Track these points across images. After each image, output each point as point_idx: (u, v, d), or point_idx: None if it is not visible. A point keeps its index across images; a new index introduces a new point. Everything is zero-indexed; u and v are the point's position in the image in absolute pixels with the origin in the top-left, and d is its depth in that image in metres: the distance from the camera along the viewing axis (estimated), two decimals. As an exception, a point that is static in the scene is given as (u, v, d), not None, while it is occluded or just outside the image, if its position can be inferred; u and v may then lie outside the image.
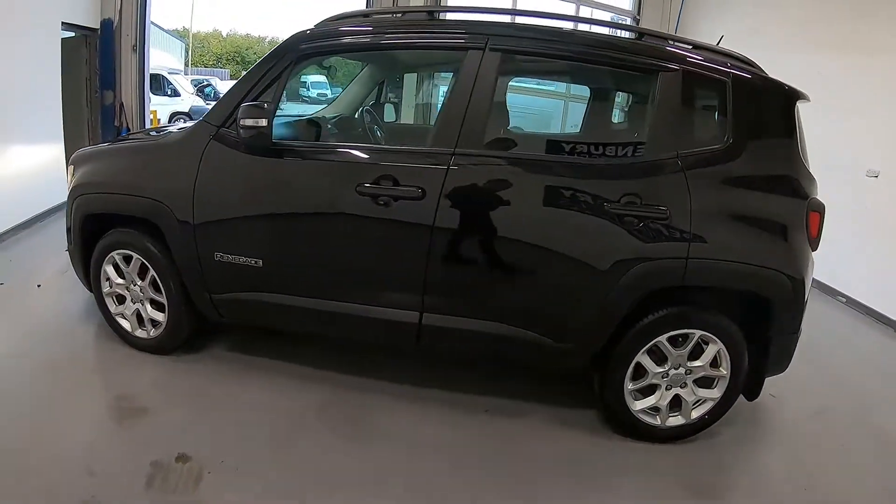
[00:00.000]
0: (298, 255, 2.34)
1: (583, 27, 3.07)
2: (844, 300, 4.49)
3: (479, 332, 2.26)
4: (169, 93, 12.62)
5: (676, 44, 2.36)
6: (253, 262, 2.33)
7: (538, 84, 7.19)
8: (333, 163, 2.32)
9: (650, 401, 2.33)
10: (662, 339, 2.21)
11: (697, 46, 2.36)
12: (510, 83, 3.43)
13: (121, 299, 2.74)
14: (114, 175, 2.61)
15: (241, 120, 2.14)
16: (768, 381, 2.36)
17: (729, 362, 2.25)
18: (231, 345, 2.83)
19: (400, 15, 2.41)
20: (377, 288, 2.29)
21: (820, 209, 2.23)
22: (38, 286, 3.44)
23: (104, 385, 2.51)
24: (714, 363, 2.27)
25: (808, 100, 2.27)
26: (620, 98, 3.34)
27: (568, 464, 2.21)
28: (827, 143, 4.26)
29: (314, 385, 2.52)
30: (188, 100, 13.47)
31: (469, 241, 2.22)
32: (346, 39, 2.40)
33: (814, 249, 2.25)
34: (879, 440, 2.61)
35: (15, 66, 4.41)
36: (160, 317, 2.64)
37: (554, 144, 3.00)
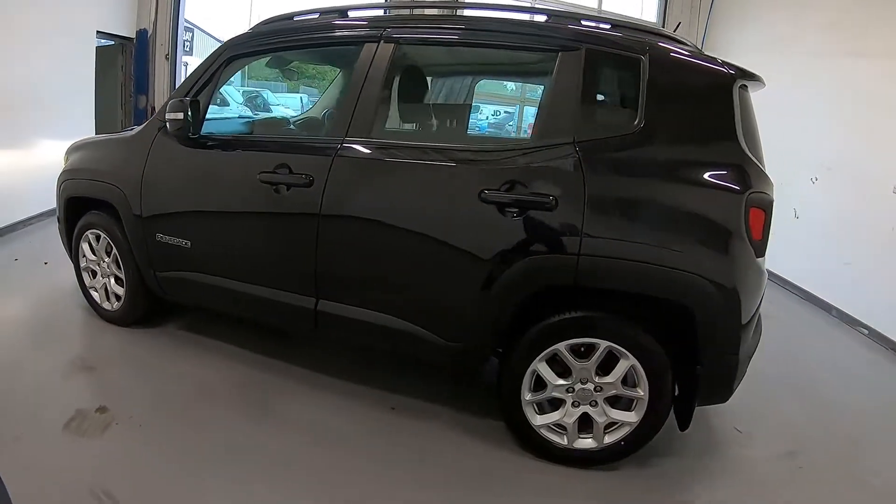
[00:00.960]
0: (215, 238, 2.56)
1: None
2: (867, 332, 3.94)
3: (369, 322, 2.24)
4: (218, 102, 13.29)
5: (586, 23, 2.15)
6: (183, 242, 2.59)
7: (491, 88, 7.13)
8: (242, 153, 2.51)
9: (553, 416, 2.10)
10: (562, 347, 1.99)
11: (618, 25, 2.15)
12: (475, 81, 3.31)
13: (94, 274, 3.09)
14: (88, 163, 2.97)
15: (167, 113, 2.41)
16: (736, 413, 2.22)
17: (646, 382, 1.97)
18: (183, 324, 3.11)
19: (317, 15, 2.54)
20: (278, 272, 2.43)
21: (764, 205, 1.88)
22: (45, 263, 3.88)
23: (67, 345, 2.83)
24: (629, 381, 2.01)
25: (760, 81, 2.06)
26: (517, 83, 3.30)
27: (470, 475, 2.08)
28: (851, 155, 4.16)
29: (241, 366, 2.72)
30: (236, 110, 14.21)
31: (352, 230, 2.19)
32: (269, 41, 2.56)
33: (759, 255, 1.92)
34: (854, 495, 2.17)
35: (53, 70, 4.99)
36: (121, 291, 2.96)
37: (444, 133, 2.86)
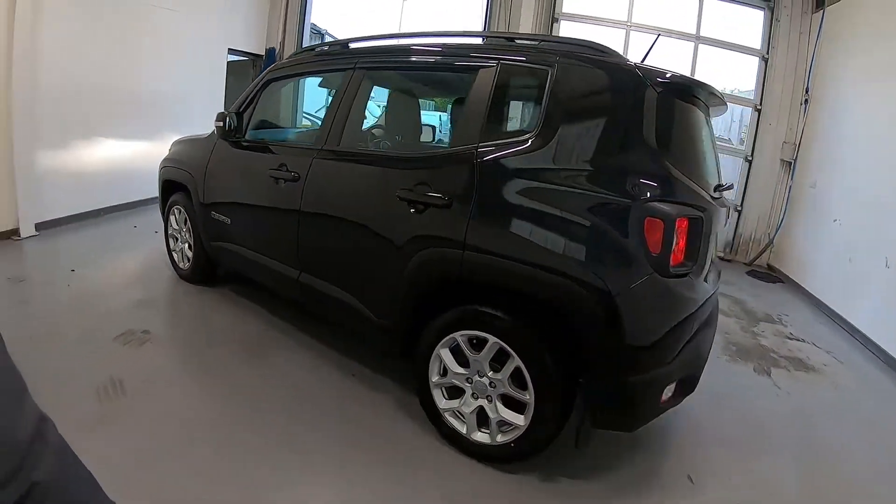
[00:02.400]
0: (242, 217, 3.26)
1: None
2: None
3: (329, 295, 2.65)
4: (268, 114, 14.41)
5: (519, 41, 2.32)
6: (226, 220, 3.36)
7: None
8: (264, 154, 3.14)
9: (454, 403, 2.23)
10: (457, 336, 2.12)
11: (547, 41, 2.32)
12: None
13: (175, 240, 4.03)
14: (179, 155, 3.91)
15: (215, 122, 3.19)
16: (692, 464, 2.22)
17: (531, 386, 1.98)
18: (233, 288, 3.91)
19: (327, 47, 3.12)
20: (277, 247, 3.03)
21: (665, 217, 1.76)
22: (155, 232, 4.99)
23: (144, 288, 3.75)
24: (520, 384, 2.04)
25: (700, 93, 2.09)
26: (445, 99, 3.48)
27: (394, 448, 2.24)
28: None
29: (260, 322, 3.41)
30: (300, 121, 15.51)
31: (318, 217, 2.66)
32: (293, 69, 3.26)
33: (662, 273, 1.80)
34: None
35: (190, 79, 6.34)
36: (191, 255, 3.85)
37: (392, 142, 3.38)
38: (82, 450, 0.62)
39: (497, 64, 2.18)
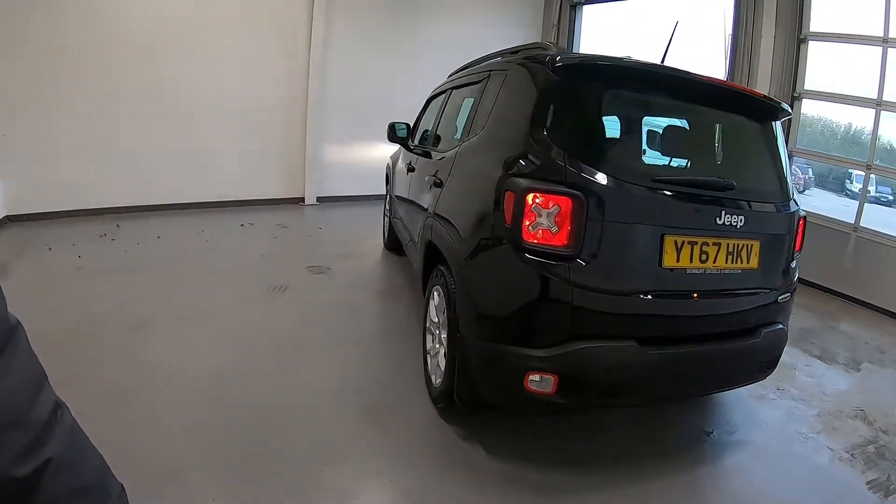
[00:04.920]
0: (399, 197, 4.16)
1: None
2: None
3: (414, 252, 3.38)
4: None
5: (514, 52, 2.57)
6: (397, 199, 4.37)
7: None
8: (410, 154, 3.95)
9: (429, 342, 2.58)
10: (438, 286, 2.46)
11: (517, 50, 2.55)
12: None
13: (384, 217, 5.31)
14: (392, 157, 5.15)
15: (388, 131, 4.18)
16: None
17: (446, 334, 2.30)
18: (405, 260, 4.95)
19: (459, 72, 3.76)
20: (410, 220, 3.74)
21: (515, 190, 1.83)
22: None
23: (352, 249, 5.10)
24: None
25: (620, 77, 2.02)
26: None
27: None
28: None
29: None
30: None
31: (413, 196, 3.39)
32: (440, 89, 3.98)
33: (518, 247, 1.83)
34: None
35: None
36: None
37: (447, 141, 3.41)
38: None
39: (489, 73, 2.58)
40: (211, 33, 5.53)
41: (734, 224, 1.98)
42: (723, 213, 1.96)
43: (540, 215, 1.79)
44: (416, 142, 4.06)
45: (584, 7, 7.03)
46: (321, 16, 6.13)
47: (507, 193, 1.86)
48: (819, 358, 3.46)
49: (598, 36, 6.53)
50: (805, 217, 2.39)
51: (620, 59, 2.00)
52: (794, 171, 7.25)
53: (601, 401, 1.95)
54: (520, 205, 1.80)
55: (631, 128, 2.13)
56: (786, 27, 4.85)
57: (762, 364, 2.27)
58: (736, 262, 2.04)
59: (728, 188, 2.02)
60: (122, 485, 0.64)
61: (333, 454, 2.10)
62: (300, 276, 4.08)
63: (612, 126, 2.04)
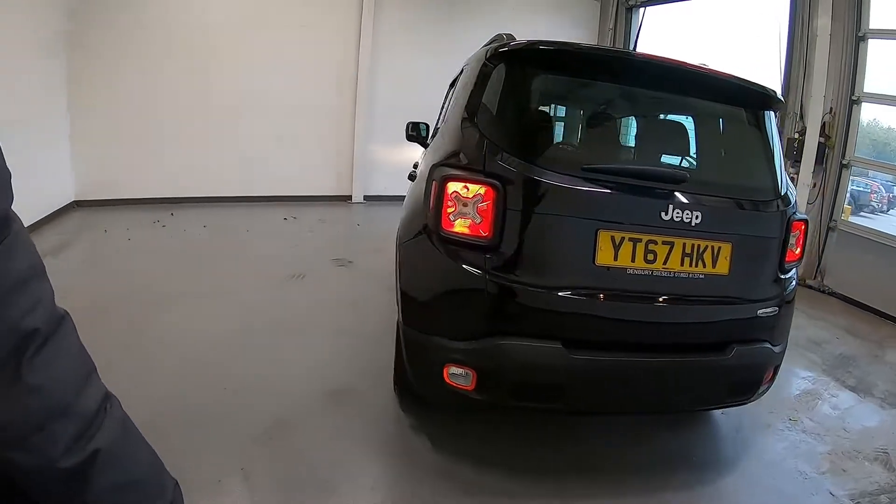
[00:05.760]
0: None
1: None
2: None
3: None
4: None
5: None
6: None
7: None
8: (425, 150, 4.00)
9: None
10: None
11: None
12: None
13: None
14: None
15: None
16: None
17: None
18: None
19: None
20: None
21: (438, 179, 1.81)
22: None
23: (381, 244, 5.25)
24: None
25: (552, 61, 1.95)
26: None
27: None
28: None
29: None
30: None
31: None
32: None
33: (436, 234, 1.84)
34: None
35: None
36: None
37: None
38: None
39: (462, 68, 2.57)
40: (269, 40, 5.92)
41: (687, 221, 1.76)
42: (670, 207, 1.75)
43: (457, 204, 1.75)
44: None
45: (641, 9, 6.72)
46: (370, 22, 6.38)
47: (431, 183, 1.85)
48: (852, 389, 3.05)
49: (656, 39, 6.23)
50: (805, 221, 2.10)
51: (555, 43, 1.91)
52: (877, 189, 6.47)
53: (523, 403, 1.86)
54: (439, 193, 1.79)
55: (563, 115, 2.07)
56: (843, 23, 4.34)
57: (734, 386, 2.01)
58: (696, 266, 1.81)
59: (678, 180, 1.84)
60: (177, 480, 0.64)
61: (284, 426, 2.20)
62: (322, 267, 4.26)
63: (542, 114, 2.01)
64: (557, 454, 2.23)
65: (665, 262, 1.79)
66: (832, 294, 4.71)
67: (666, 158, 2.09)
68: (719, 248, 1.84)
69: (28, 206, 4.43)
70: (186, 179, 5.81)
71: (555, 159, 1.89)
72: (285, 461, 2.01)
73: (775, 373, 2.13)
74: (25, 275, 0.52)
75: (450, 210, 1.76)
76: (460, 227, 1.76)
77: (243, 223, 5.35)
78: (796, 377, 3.14)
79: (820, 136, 4.54)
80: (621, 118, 2.14)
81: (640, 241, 1.76)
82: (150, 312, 3.14)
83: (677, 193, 1.81)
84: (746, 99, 2.07)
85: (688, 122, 2.13)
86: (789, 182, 2.11)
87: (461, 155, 1.86)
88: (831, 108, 4.51)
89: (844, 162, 4.57)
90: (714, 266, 1.84)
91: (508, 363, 1.74)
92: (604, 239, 1.74)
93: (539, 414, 2.37)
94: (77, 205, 5.35)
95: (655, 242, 1.77)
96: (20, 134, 4.20)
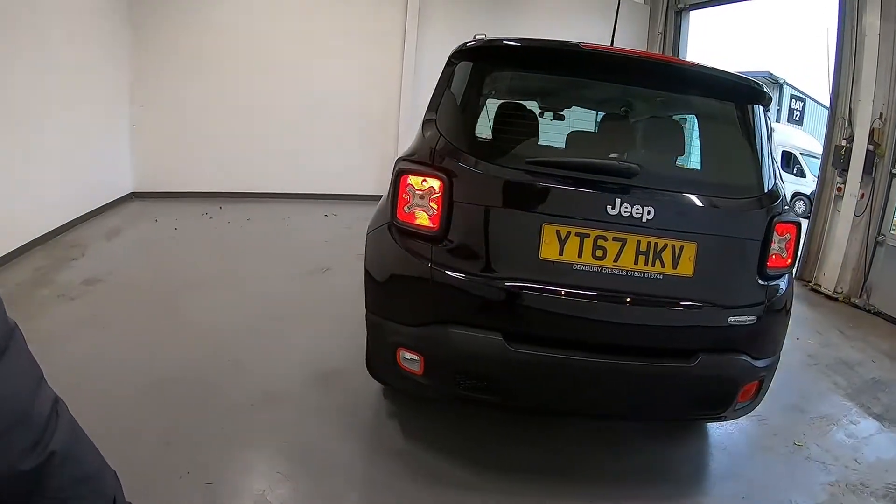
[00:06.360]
0: None
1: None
2: None
3: None
4: (795, 172, 12.60)
5: None
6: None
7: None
8: None
9: None
10: None
11: None
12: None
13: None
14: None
15: None
16: None
17: None
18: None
19: None
20: None
21: (394, 172, 1.88)
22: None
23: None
24: None
25: (507, 57, 1.99)
26: None
27: None
28: None
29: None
30: (812, 184, 13.05)
31: None
32: None
33: (393, 224, 1.90)
34: None
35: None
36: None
37: None
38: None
39: None
40: (318, 46, 6.26)
41: (638, 217, 1.70)
42: (617, 202, 1.70)
43: (409, 196, 1.82)
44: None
45: (691, 13, 6.44)
46: (413, 29, 6.57)
47: (392, 176, 1.92)
48: (877, 417, 2.79)
49: (706, 43, 5.97)
50: (797, 223, 1.94)
51: (507, 40, 1.95)
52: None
53: (465, 392, 1.87)
54: (394, 185, 1.87)
55: (517, 111, 2.06)
56: (893, 23, 3.97)
57: (700, 398, 1.91)
58: (653, 265, 1.75)
59: (627, 174, 1.77)
60: (115, 471, 0.67)
61: (269, 402, 2.35)
62: (348, 261, 4.40)
63: (491, 108, 2.02)
64: (526, 452, 2.23)
65: (616, 260, 1.74)
66: (878, 314, 4.31)
67: (632, 154, 2.01)
68: (681, 247, 1.76)
69: (91, 196, 4.98)
70: (236, 175, 6.21)
71: (502, 153, 1.92)
72: (261, 431, 2.17)
73: (760, 390, 2.00)
74: None
75: (405, 202, 1.83)
76: (411, 217, 1.83)
77: (285, 218, 5.65)
78: (813, 399, 2.93)
79: (868, 143, 4.20)
80: (579, 112, 2.12)
81: (587, 236, 1.73)
82: (180, 292, 3.44)
83: (627, 188, 1.76)
84: (724, 92, 1.98)
85: (656, 117, 2.07)
86: (779, 181, 1.98)
87: (419, 151, 1.93)
88: (881, 114, 4.16)
89: (895, 171, 4.20)
90: (675, 266, 1.77)
91: (451, 351, 1.79)
92: (548, 233, 1.73)
93: (484, 407, 2.35)
94: (134, 196, 5.85)
95: (605, 238, 1.73)
96: (90, 132, 4.73)
